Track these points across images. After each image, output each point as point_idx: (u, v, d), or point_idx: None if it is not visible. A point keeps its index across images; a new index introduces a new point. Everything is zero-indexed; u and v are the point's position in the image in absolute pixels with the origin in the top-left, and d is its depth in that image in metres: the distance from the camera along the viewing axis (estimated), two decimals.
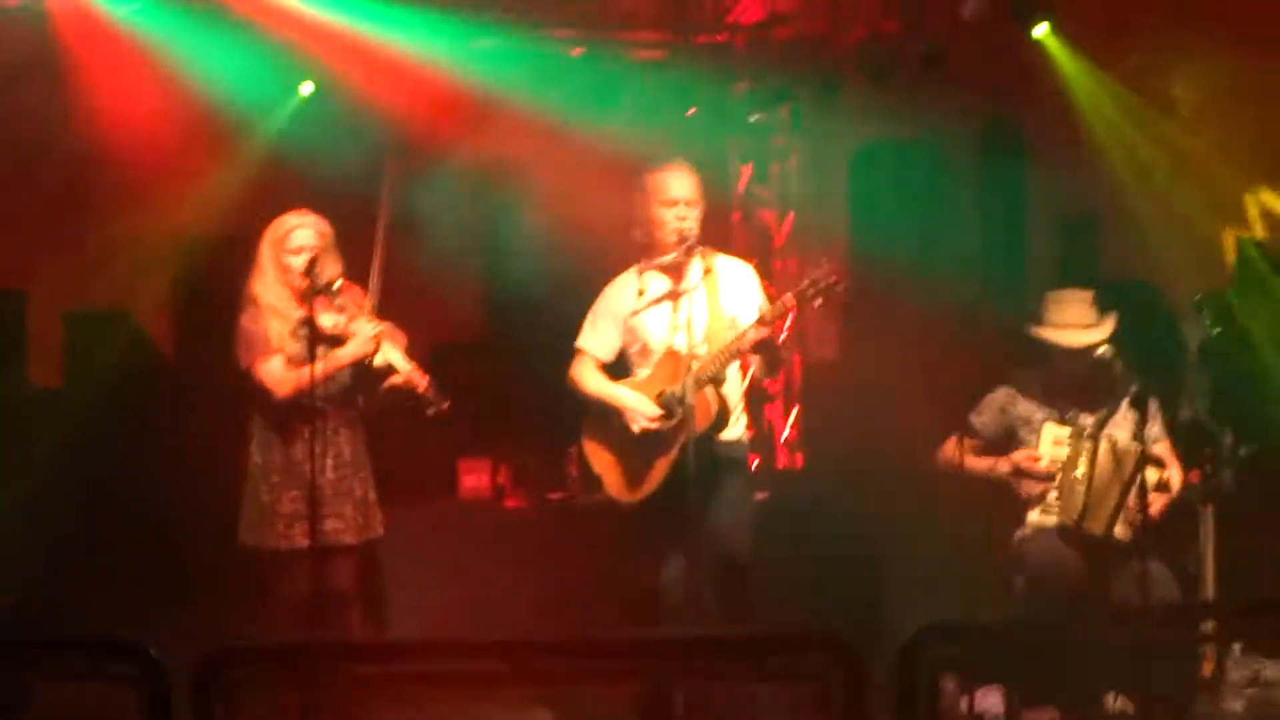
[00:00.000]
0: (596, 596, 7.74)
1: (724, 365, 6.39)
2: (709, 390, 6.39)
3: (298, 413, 6.40)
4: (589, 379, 6.71)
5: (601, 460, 6.68)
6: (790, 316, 8.10)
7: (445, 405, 6.54)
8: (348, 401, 6.55)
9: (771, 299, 6.66)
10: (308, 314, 6.36)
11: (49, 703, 5.08)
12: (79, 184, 8.43)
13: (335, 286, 6.43)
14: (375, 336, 6.45)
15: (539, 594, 7.79)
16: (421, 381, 6.52)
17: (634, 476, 6.57)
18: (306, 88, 8.39)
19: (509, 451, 8.61)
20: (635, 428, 6.49)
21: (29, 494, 7.92)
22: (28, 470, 7.99)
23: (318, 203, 6.69)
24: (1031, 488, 6.78)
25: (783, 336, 8.37)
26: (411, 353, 6.60)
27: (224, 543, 6.72)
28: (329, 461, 6.44)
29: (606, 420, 6.63)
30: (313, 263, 6.38)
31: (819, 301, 6.36)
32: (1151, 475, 6.61)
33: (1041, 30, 8.38)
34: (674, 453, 6.40)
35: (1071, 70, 8.38)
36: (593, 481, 6.83)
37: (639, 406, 6.51)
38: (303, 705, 6.34)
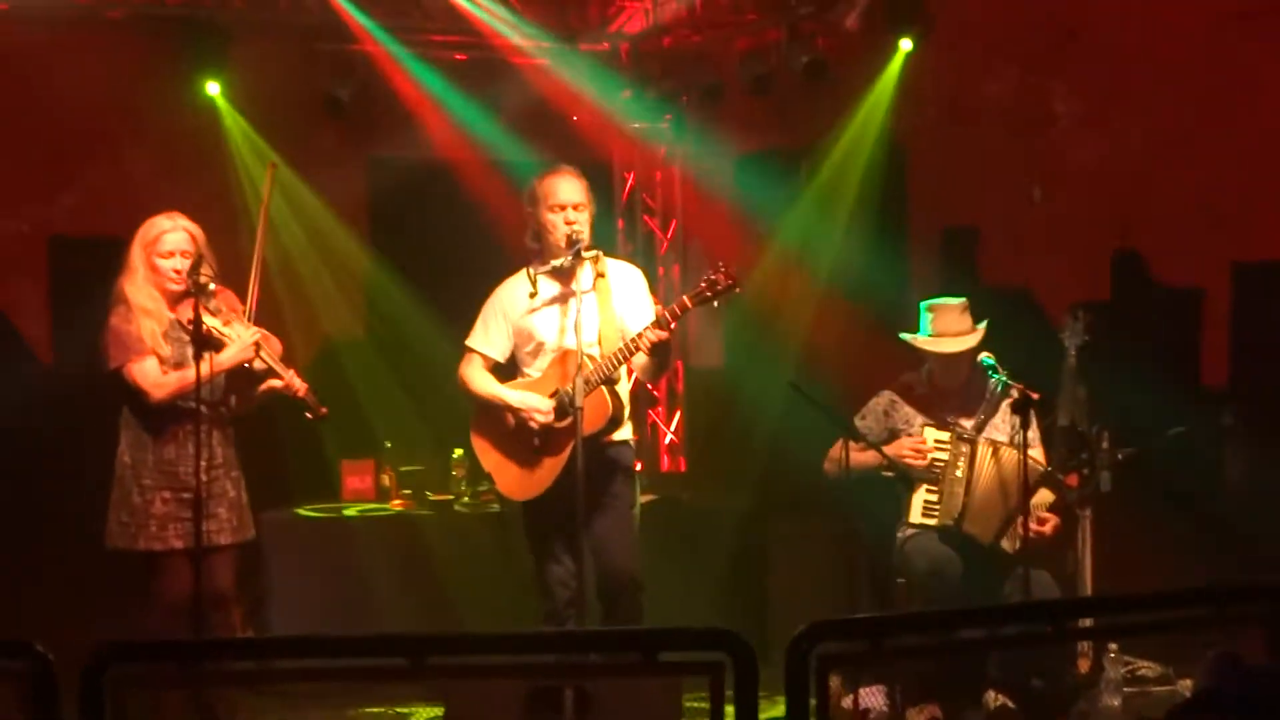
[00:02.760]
0: (483, 596, 7.75)
1: (617, 366, 6.42)
2: (604, 390, 6.43)
3: (172, 414, 6.37)
4: (478, 379, 6.71)
5: (490, 459, 6.69)
6: None
7: (324, 411, 6.57)
8: (221, 403, 6.52)
9: (658, 304, 6.69)
10: (179, 317, 6.33)
11: None
12: None
13: (209, 289, 6.39)
14: (254, 343, 6.43)
15: (425, 594, 7.79)
16: (300, 387, 6.53)
17: (524, 476, 6.59)
18: (212, 88, 8.30)
19: (392, 453, 8.57)
20: (534, 424, 6.50)
21: None
22: None
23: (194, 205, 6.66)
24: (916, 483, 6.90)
25: None
26: (288, 358, 6.60)
27: (96, 544, 6.62)
28: (203, 464, 6.38)
29: (495, 420, 6.63)
30: (192, 266, 6.35)
31: (715, 303, 6.38)
32: (1047, 496, 6.77)
33: (907, 45, 8.54)
34: (565, 452, 6.41)
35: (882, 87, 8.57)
36: (481, 480, 6.80)
37: (534, 403, 6.54)
38: (187, 703, 6.35)
